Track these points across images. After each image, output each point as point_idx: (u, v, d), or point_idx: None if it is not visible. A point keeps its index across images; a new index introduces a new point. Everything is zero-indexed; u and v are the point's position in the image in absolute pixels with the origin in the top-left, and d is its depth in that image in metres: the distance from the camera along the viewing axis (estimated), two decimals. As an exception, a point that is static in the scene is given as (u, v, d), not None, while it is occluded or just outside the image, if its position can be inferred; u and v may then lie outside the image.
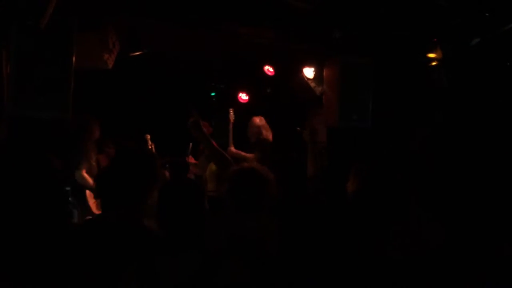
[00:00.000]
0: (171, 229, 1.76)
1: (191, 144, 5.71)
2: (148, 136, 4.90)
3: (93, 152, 4.58)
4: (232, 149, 5.41)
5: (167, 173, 4.98)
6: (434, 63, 4.69)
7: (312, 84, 5.34)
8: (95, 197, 3.94)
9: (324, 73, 5.05)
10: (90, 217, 3.58)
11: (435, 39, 4.67)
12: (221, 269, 1.64)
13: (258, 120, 5.63)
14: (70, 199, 3.93)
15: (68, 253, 1.91)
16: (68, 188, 3.88)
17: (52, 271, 1.86)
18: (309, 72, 5.30)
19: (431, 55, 4.71)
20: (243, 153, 5.43)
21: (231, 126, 5.59)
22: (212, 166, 3.76)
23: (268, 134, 5.58)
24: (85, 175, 4.40)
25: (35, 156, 2.19)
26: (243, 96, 6.66)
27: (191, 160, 5.76)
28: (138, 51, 4.74)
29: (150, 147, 4.84)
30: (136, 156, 2.12)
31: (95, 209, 4.21)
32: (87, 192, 4.35)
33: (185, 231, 1.75)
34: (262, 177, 2.31)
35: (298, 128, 6.09)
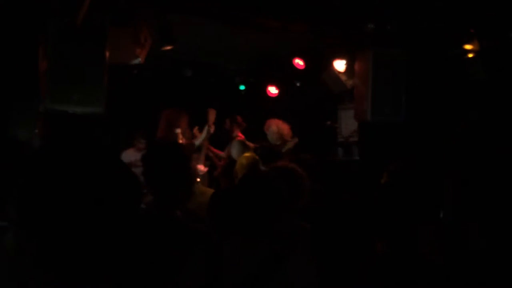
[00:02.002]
0: (242, 220, 1.80)
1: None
2: (179, 130, 4.93)
3: None
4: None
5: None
6: (471, 55, 4.54)
7: (343, 77, 5.27)
8: None
9: (355, 66, 4.96)
10: None
11: (472, 30, 4.51)
12: (286, 264, 1.67)
13: (275, 126, 5.50)
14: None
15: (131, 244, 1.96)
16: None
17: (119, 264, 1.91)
18: (340, 65, 5.22)
19: (468, 47, 4.56)
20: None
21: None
22: (243, 160, 3.73)
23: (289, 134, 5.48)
24: None
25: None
26: (273, 90, 6.63)
27: (212, 149, 5.71)
28: (169, 46, 4.76)
29: (180, 141, 4.87)
30: (167, 150, 2.16)
31: None
32: None
33: (255, 223, 1.79)
34: (299, 177, 2.32)
35: (329, 122, 6.04)
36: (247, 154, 3.82)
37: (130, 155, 5.81)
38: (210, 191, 3.38)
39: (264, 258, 1.69)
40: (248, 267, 1.68)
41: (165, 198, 2.09)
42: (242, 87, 6.86)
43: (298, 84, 6.35)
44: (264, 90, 6.61)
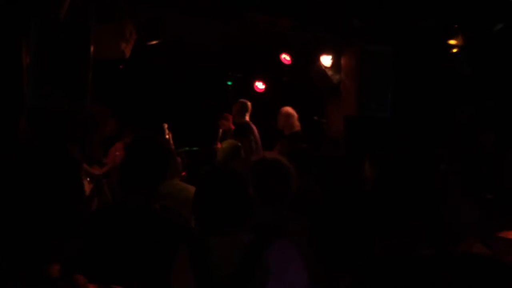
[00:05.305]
0: (217, 214, 1.81)
1: (220, 130, 5.79)
2: (166, 125, 4.90)
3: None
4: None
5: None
6: (455, 50, 4.59)
7: (330, 73, 5.28)
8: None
9: (342, 62, 4.98)
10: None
11: (456, 25, 4.56)
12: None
13: (290, 110, 5.55)
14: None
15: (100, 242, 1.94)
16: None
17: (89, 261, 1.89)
18: (326, 60, 5.22)
19: (452, 42, 4.60)
20: None
21: None
22: (224, 145, 3.83)
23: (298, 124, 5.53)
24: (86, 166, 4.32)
25: (55, 147, 2.20)
26: (260, 85, 6.63)
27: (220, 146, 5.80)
28: (155, 40, 4.72)
29: (167, 136, 4.84)
30: (147, 146, 2.16)
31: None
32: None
33: (232, 215, 1.81)
34: (284, 168, 2.31)
35: (315, 117, 6.05)
36: (229, 140, 3.90)
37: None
38: (190, 187, 3.35)
39: (245, 250, 1.69)
40: (231, 261, 1.68)
41: (145, 191, 2.08)
42: (229, 83, 6.85)
43: (285, 80, 6.35)
44: (251, 85, 6.61)
